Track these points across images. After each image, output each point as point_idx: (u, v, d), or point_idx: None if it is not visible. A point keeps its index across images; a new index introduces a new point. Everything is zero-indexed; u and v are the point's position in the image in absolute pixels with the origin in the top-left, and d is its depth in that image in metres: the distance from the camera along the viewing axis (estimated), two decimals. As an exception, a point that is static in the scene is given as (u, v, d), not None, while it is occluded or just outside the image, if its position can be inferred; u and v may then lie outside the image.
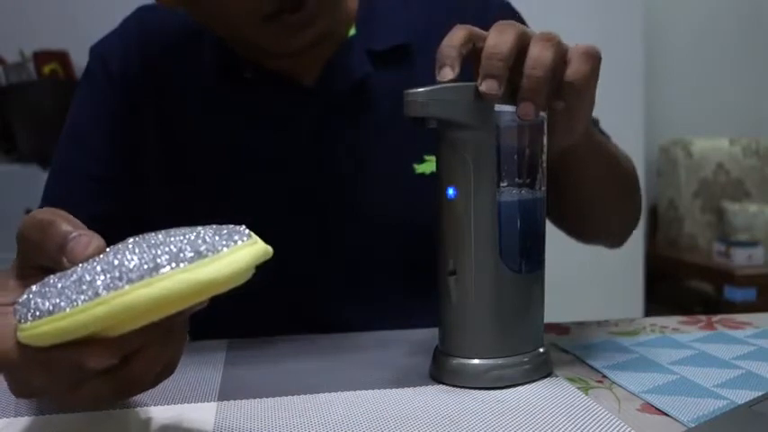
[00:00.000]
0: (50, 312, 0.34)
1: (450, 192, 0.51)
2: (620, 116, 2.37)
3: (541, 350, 0.54)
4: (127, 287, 0.33)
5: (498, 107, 0.50)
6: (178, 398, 0.51)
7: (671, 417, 0.46)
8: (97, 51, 0.75)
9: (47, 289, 0.36)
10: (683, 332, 0.66)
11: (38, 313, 0.34)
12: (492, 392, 0.50)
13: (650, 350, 0.60)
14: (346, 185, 0.72)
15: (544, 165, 0.54)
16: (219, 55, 0.72)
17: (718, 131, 2.87)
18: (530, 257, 0.53)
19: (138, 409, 0.49)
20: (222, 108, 0.72)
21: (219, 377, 0.55)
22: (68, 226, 0.39)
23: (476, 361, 0.52)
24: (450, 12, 0.78)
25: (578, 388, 0.51)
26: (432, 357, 0.55)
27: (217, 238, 0.35)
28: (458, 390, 0.51)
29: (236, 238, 0.36)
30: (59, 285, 0.35)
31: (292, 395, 0.51)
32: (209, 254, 0.34)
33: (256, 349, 0.60)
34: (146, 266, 0.34)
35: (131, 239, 0.38)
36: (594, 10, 2.31)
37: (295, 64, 0.71)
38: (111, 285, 0.34)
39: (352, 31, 0.73)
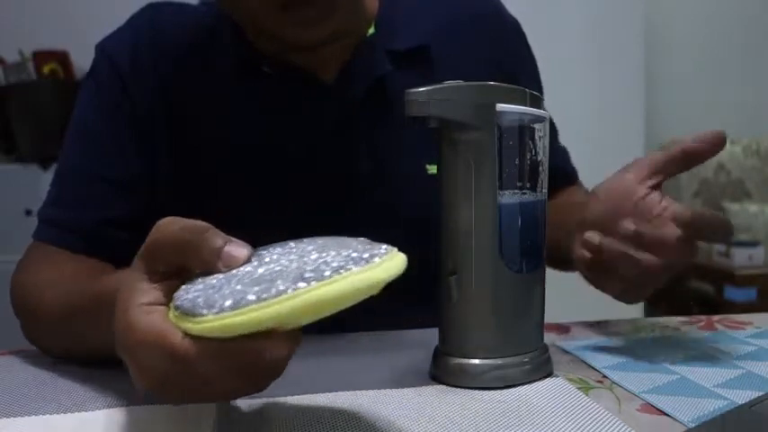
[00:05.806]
0: (235, 307, 0.36)
1: (452, 191, 0.51)
2: (620, 116, 2.39)
3: (542, 350, 0.54)
4: (313, 284, 0.36)
5: (499, 107, 0.50)
6: (178, 398, 0.51)
7: (671, 417, 0.46)
8: (104, 49, 0.73)
9: (212, 287, 0.38)
10: (684, 332, 0.66)
11: (216, 308, 0.36)
12: (492, 392, 0.50)
13: (650, 350, 0.60)
14: (362, 184, 0.72)
15: (546, 166, 0.54)
16: (237, 50, 0.71)
17: (719, 131, 2.87)
18: (530, 257, 0.53)
19: (139, 408, 0.49)
20: (238, 106, 0.71)
21: (219, 377, 0.55)
22: (220, 234, 0.41)
23: (476, 361, 0.52)
24: (469, 19, 0.78)
25: (578, 388, 0.51)
26: (432, 357, 0.55)
27: (368, 246, 0.39)
28: (458, 390, 0.51)
29: (383, 248, 0.40)
30: (233, 283, 0.37)
31: (292, 395, 0.51)
32: (375, 259, 0.38)
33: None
34: (323, 267, 0.37)
35: (275, 248, 0.41)
36: (595, 10, 2.31)
37: (313, 60, 0.70)
38: (294, 285, 0.36)
39: (371, 30, 0.73)
